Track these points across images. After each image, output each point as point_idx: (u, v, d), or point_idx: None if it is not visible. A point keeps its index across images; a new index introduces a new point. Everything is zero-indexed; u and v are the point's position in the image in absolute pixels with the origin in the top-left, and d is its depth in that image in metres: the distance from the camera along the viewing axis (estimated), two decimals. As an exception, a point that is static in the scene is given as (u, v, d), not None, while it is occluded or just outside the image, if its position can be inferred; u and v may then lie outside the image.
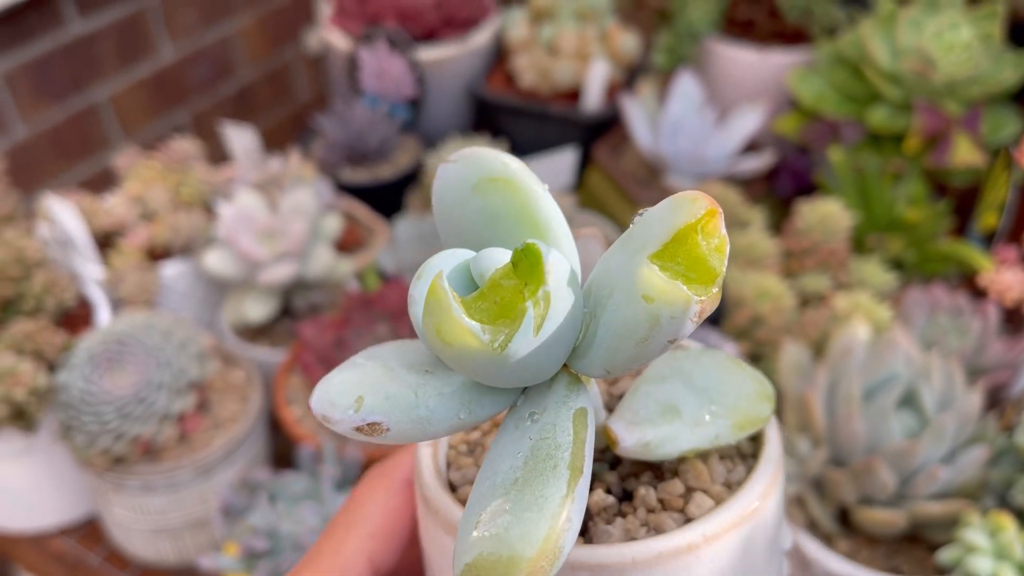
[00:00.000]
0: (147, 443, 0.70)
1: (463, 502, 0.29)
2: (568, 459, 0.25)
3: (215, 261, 0.81)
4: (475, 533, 0.24)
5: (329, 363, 0.75)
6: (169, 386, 0.70)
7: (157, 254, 0.87)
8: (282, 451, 0.92)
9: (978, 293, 0.80)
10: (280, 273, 0.80)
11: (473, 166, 0.27)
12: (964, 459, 0.59)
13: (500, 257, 0.25)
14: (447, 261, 0.26)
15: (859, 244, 0.88)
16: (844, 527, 0.64)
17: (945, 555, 0.55)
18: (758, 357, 0.78)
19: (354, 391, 0.27)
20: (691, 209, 0.24)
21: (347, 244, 0.99)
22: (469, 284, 0.26)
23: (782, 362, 0.69)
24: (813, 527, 0.64)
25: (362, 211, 1.03)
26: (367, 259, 0.95)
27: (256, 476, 0.68)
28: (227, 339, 0.86)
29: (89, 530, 0.83)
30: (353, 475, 0.68)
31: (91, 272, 0.84)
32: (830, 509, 0.63)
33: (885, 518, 0.59)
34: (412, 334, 0.76)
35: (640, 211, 0.26)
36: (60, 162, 1.10)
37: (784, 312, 0.77)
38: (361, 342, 0.75)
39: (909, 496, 0.60)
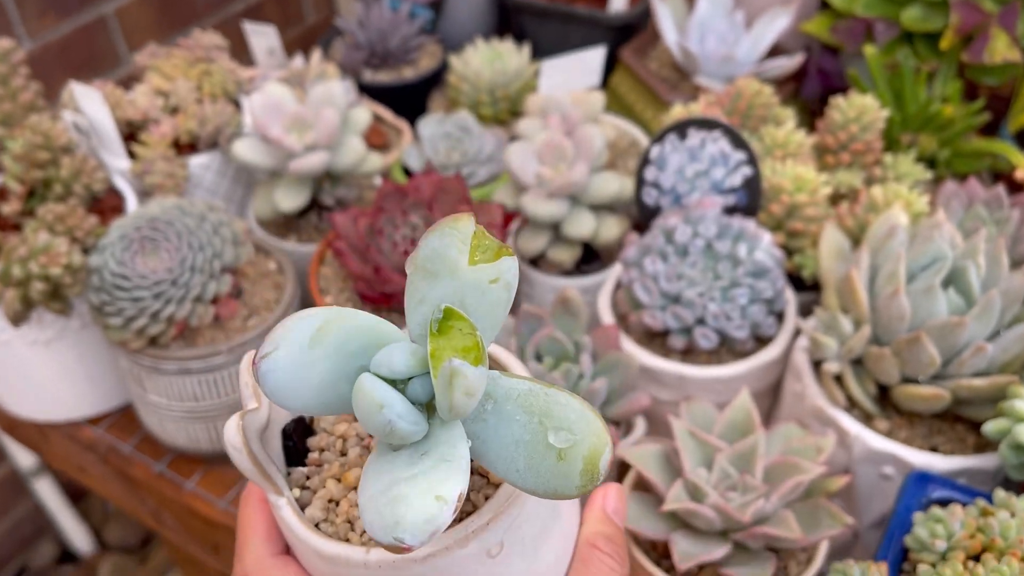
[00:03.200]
0: (182, 324, 0.69)
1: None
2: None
3: (244, 149, 0.80)
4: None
5: (362, 252, 0.75)
6: (203, 268, 0.70)
7: (183, 147, 0.86)
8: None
9: (1013, 189, 0.79)
10: (312, 162, 0.79)
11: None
12: (1009, 336, 0.59)
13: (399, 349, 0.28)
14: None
15: (892, 142, 0.87)
16: (882, 407, 0.64)
17: (991, 427, 0.55)
18: (792, 251, 0.78)
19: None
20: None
21: (372, 144, 0.98)
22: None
23: (822, 246, 0.68)
24: (852, 407, 0.64)
25: (386, 113, 1.02)
26: (393, 159, 0.94)
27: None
28: (256, 234, 0.85)
29: (120, 419, 0.84)
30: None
31: (117, 163, 0.83)
32: (869, 389, 0.63)
33: (929, 394, 0.59)
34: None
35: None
36: (67, 78, 1.07)
37: (820, 204, 0.76)
38: (396, 231, 0.74)
39: (952, 374, 0.60)
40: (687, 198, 0.75)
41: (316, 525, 0.33)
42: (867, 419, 0.64)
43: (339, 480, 0.34)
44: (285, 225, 0.87)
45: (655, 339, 0.73)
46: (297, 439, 0.36)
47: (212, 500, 0.78)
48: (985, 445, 0.62)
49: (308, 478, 0.35)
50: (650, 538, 0.57)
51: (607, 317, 0.74)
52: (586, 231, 0.77)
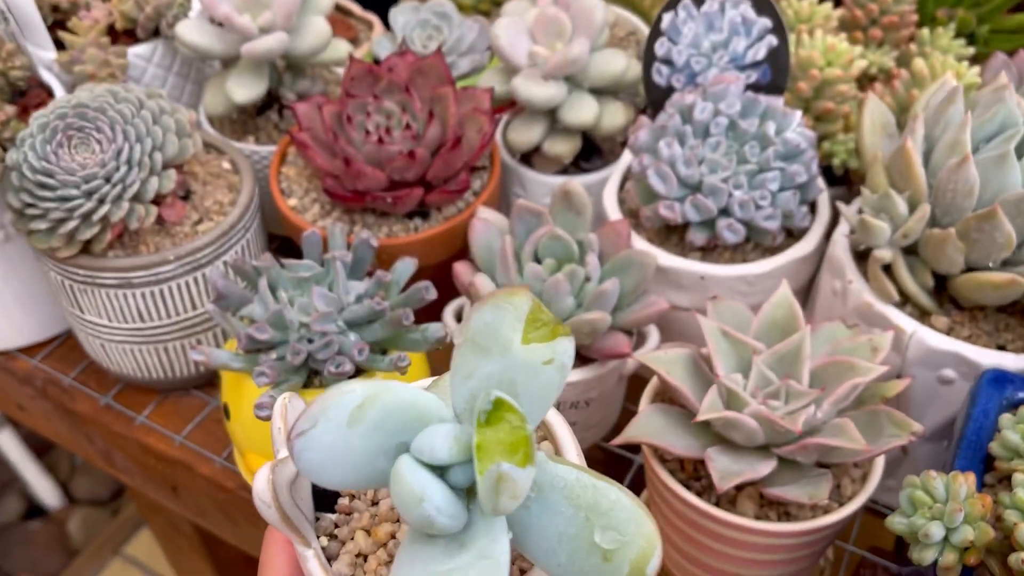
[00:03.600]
0: (120, 227, 0.59)
1: None
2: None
3: (190, 32, 0.68)
4: None
5: (330, 144, 0.65)
6: (142, 163, 0.59)
7: (119, 35, 0.75)
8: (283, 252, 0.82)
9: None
10: (268, 44, 0.68)
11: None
12: (1095, 210, 0.50)
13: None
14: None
15: (926, 19, 0.78)
16: (939, 302, 0.56)
17: (1083, 310, 0.47)
18: (823, 136, 0.69)
19: None
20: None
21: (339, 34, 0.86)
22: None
23: (865, 120, 0.59)
24: (905, 303, 0.56)
25: (354, 6, 0.90)
26: (363, 53, 0.83)
27: (251, 263, 0.57)
28: (209, 135, 0.74)
29: (61, 348, 0.74)
30: (366, 259, 0.58)
31: (43, 54, 0.71)
32: (925, 280, 0.54)
33: (1002, 280, 0.50)
34: (424, 107, 0.65)
35: None
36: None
37: (852, 81, 0.66)
38: (367, 119, 0.64)
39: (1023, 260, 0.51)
40: (703, 76, 0.65)
41: None
42: (923, 316, 0.55)
43: (368, 533, 0.33)
44: (242, 126, 0.76)
45: (670, 237, 0.64)
46: None
47: (168, 435, 0.68)
48: (1061, 341, 0.53)
49: (336, 526, 0.34)
50: (679, 455, 0.48)
51: (614, 215, 0.65)
52: (587, 117, 0.67)
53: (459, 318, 0.65)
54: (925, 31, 0.72)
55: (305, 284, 0.56)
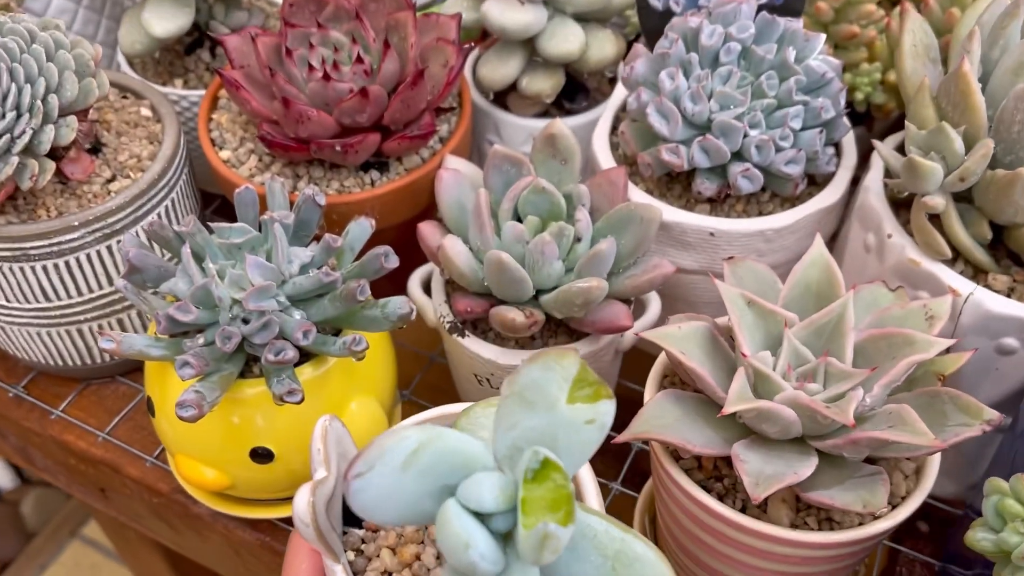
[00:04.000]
0: (10, 187, 0.49)
1: None
2: None
3: (93, -49, 0.57)
4: None
5: (265, 85, 0.54)
6: (34, 108, 0.48)
7: (14, -40, 0.63)
8: (221, 216, 0.72)
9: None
10: (188, -35, 0.57)
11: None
12: None
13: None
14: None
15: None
16: (995, 257, 0.47)
17: None
18: (844, 67, 0.59)
19: None
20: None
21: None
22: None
23: (904, 40, 0.49)
24: (955, 259, 0.47)
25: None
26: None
27: (172, 228, 0.47)
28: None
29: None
30: (312, 220, 0.48)
31: (-81, -17, 0.60)
32: (982, 232, 0.46)
33: (1082, 229, 0.42)
34: (378, 37, 0.55)
35: None
36: None
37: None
38: (311, 52, 0.54)
39: (1109, 200, 0.43)
40: (707, -4, 0.55)
41: None
42: (977, 274, 0.47)
43: (394, 551, 0.35)
44: (168, 67, 0.66)
45: (673, 187, 0.55)
46: None
47: (90, 431, 0.58)
48: None
49: (363, 542, 0.36)
50: (699, 453, 0.39)
51: (607, 163, 0.55)
52: (572, 48, 0.57)
53: (427, 288, 0.56)
54: (956, -56, 0.62)
55: (238, 252, 0.46)
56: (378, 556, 0.35)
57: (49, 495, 1.61)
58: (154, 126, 0.56)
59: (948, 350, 0.44)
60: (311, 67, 0.53)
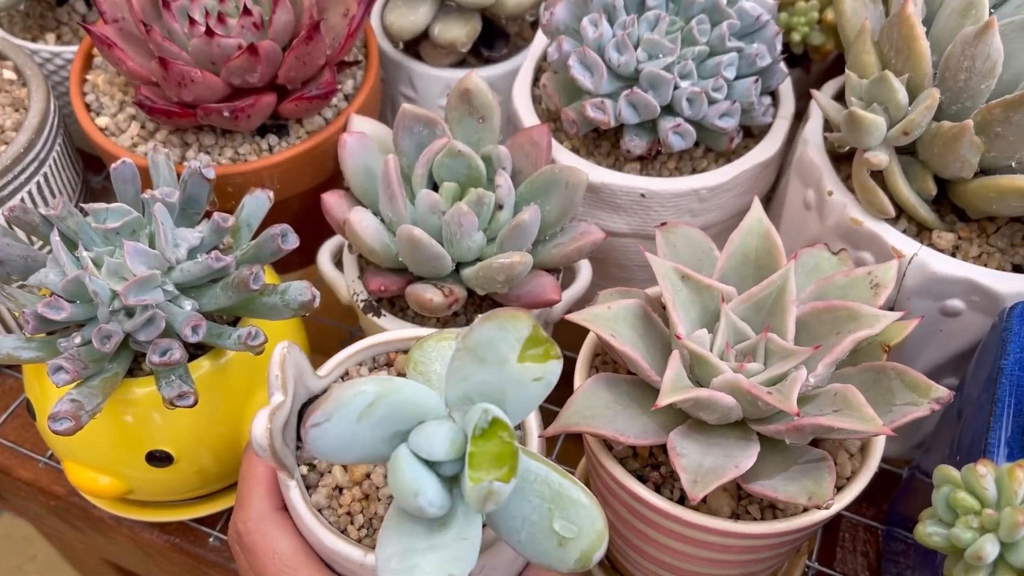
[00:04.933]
0: None
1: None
2: None
3: None
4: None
5: (142, 42, 0.48)
6: None
7: None
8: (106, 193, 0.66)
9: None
10: (45, -97, 0.50)
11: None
12: None
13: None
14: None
15: None
16: (939, 213, 0.45)
17: None
18: (779, 6, 0.55)
19: None
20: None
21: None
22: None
23: (844, -18, 0.46)
24: (898, 216, 0.44)
25: None
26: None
27: (38, 212, 0.42)
28: (-13, 32, 0.56)
29: None
30: (201, 197, 0.43)
31: None
32: (927, 187, 0.43)
33: (1033, 184, 0.39)
34: (272, -15, 0.49)
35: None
36: None
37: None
38: (193, 3, 0.47)
39: (1059, 152, 0.40)
40: (632, -69, 0.50)
41: (320, 511, 0.37)
42: (921, 232, 0.44)
43: (345, 469, 0.38)
44: (37, 20, 0.58)
45: (600, 144, 0.51)
46: None
47: (-26, 431, 0.53)
48: (1090, 255, 0.43)
49: (315, 458, 0.38)
50: (633, 444, 0.36)
51: (529, 119, 0.51)
52: (487, -9, 0.52)
53: (338, 262, 0.51)
54: None
55: (116, 238, 0.41)
56: (330, 472, 0.37)
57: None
58: (19, 91, 0.50)
59: (893, 309, 0.41)
60: (192, 21, 0.47)
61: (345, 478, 0.37)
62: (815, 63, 0.59)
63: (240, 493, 0.38)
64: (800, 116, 0.52)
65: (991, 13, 0.41)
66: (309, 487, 0.37)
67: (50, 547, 1.50)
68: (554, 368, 0.30)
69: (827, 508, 0.34)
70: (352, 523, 0.36)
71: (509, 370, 0.30)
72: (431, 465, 0.29)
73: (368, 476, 0.37)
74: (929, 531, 0.31)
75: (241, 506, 0.38)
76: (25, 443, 0.53)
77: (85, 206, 0.42)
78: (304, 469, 0.38)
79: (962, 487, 0.30)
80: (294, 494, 0.36)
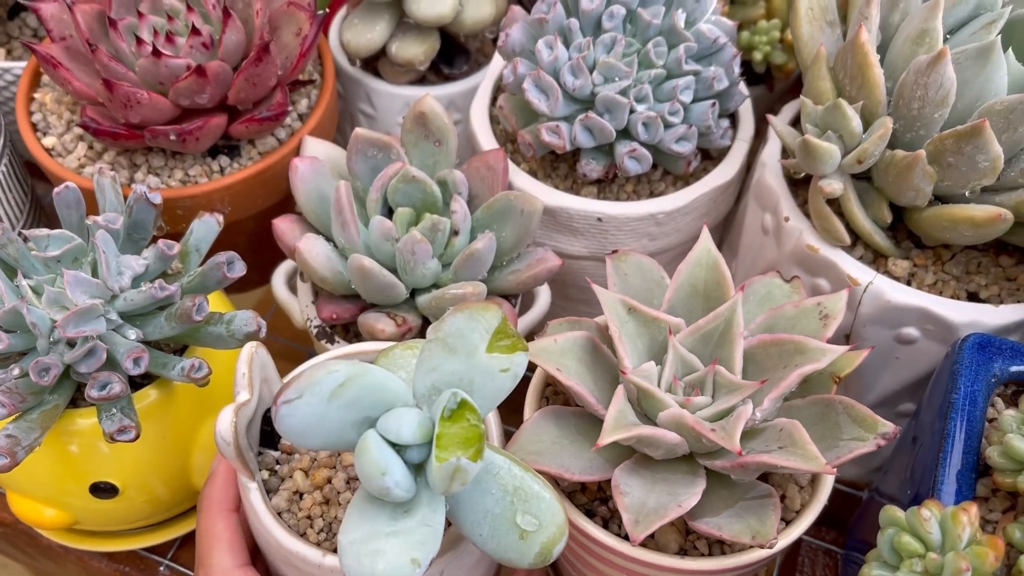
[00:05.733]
0: None
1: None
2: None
3: None
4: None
5: (87, 58, 0.47)
6: None
7: None
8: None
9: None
10: (-10, -81, 0.48)
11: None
12: (1098, 118, 0.39)
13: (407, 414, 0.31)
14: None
15: None
16: (895, 240, 0.44)
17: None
18: (740, 25, 0.55)
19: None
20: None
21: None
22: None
23: (799, 6, 0.45)
24: (854, 243, 0.44)
25: None
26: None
27: (-20, 239, 0.41)
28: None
29: None
30: (147, 222, 0.42)
31: None
32: (882, 215, 0.43)
33: (984, 216, 0.39)
34: (218, 2, 0.48)
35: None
36: None
37: (778, -47, 0.53)
38: (141, 21, 0.47)
39: (1011, 184, 0.40)
40: (591, -50, 0.50)
41: (279, 514, 0.37)
42: (877, 259, 0.44)
43: (307, 474, 0.39)
44: (-12, 34, 0.57)
45: (557, 167, 0.50)
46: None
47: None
48: (1044, 284, 0.43)
49: (278, 463, 0.39)
50: (578, 480, 0.36)
51: (487, 141, 0.50)
52: (443, 10, 0.52)
53: (292, 286, 0.50)
54: None
55: (57, 266, 0.40)
56: (291, 477, 0.38)
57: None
58: (-36, 110, 0.49)
59: (849, 337, 0.41)
60: (140, 40, 0.46)
61: (306, 483, 0.38)
62: (778, 81, 0.59)
63: (200, 552, 0.38)
64: (761, 135, 0.51)
65: (945, 40, 0.40)
66: (270, 491, 0.38)
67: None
68: (521, 360, 0.31)
69: (770, 548, 0.34)
70: (312, 527, 0.37)
71: (478, 360, 0.31)
72: (398, 449, 0.30)
73: (329, 481, 0.38)
74: (874, 573, 0.31)
75: (202, 565, 0.38)
76: (-27, 468, 0.52)
77: (26, 232, 0.41)
78: (265, 474, 0.38)
79: (907, 530, 0.30)
80: (254, 496, 0.36)
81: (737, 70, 0.47)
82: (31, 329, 0.38)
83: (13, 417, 0.38)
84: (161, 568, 0.49)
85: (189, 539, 0.49)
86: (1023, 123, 0.37)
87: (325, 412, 0.30)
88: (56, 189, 0.42)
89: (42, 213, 0.56)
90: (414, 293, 0.45)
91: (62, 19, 0.48)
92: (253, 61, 0.45)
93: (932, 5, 0.39)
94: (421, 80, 0.57)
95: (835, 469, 0.33)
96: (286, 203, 0.51)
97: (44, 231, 0.41)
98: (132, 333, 0.40)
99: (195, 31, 0.46)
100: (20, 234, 0.41)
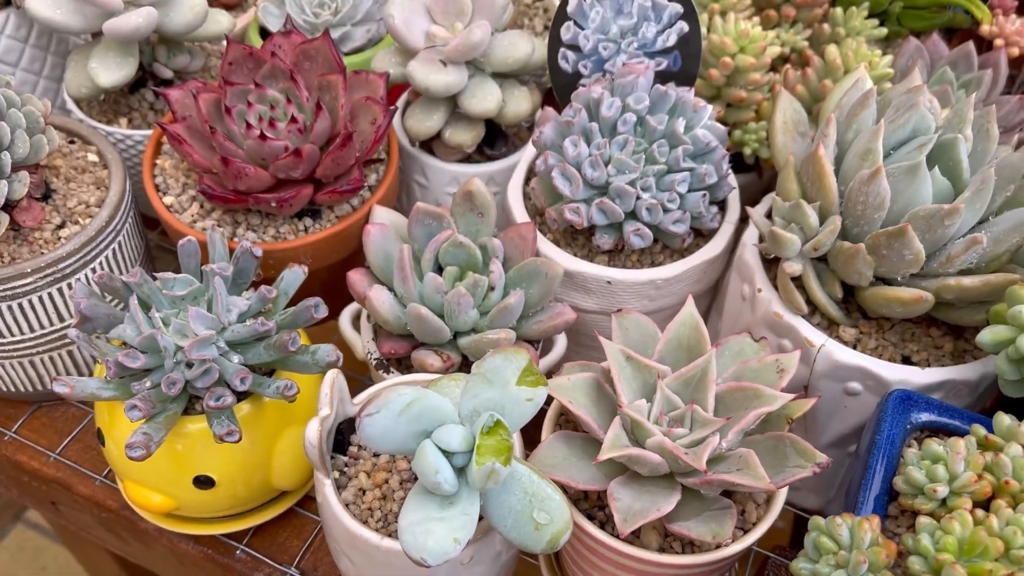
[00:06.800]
0: (-33, 241, 0.53)
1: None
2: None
3: (43, 5, 0.61)
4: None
5: (206, 139, 0.59)
6: (-10, 166, 0.53)
7: (-37, 3, 0.66)
8: (164, 260, 0.76)
9: (978, 49, 0.69)
10: (135, 22, 0.61)
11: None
12: (1003, 225, 0.49)
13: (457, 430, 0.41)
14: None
15: (840, -5, 0.75)
16: (846, 311, 0.55)
17: (989, 337, 0.46)
18: (732, 125, 0.66)
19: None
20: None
21: (224, 4, 0.79)
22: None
23: (776, 118, 0.56)
24: (814, 313, 0.54)
25: (237, -38, 0.83)
26: (247, 20, 0.76)
27: (120, 279, 0.52)
28: (72, 118, 0.68)
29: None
30: (249, 270, 0.53)
31: None
32: (834, 291, 0.53)
33: (910, 297, 0.49)
34: (311, 96, 0.60)
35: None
36: None
37: (765, 68, 0.64)
38: (249, 109, 0.58)
39: (935, 272, 0.50)
40: (611, 63, 0.61)
41: (346, 506, 0.48)
42: (831, 326, 0.54)
43: (369, 475, 0.49)
44: (112, 105, 0.69)
45: (576, 238, 0.61)
46: (346, 433, 0.51)
47: (42, 451, 0.63)
48: (964, 352, 0.53)
49: (346, 465, 0.50)
50: (583, 489, 0.46)
51: (520, 213, 0.61)
52: (490, 106, 0.63)
53: (356, 325, 0.61)
54: (838, 11, 0.69)
55: (181, 302, 0.52)
56: (356, 477, 0.49)
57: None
58: (101, 172, 0.61)
59: (800, 396, 0.51)
60: (249, 125, 0.58)
61: (368, 482, 0.48)
62: (765, 170, 0.70)
63: None
64: (747, 219, 0.62)
65: (887, 156, 0.51)
66: (339, 488, 0.48)
67: (58, 559, 1.58)
68: (542, 393, 0.42)
69: (727, 546, 0.44)
70: (372, 517, 0.47)
71: (510, 391, 0.41)
72: (447, 455, 0.40)
73: (386, 481, 0.49)
74: (801, 566, 0.41)
75: None
76: (85, 463, 0.63)
77: (157, 275, 0.52)
78: (336, 474, 0.49)
79: (825, 533, 0.40)
80: (328, 490, 0.47)
81: (726, 167, 0.58)
82: (161, 351, 0.50)
83: (146, 419, 0.49)
84: (237, 552, 0.59)
85: (262, 528, 0.59)
86: (941, 227, 0.48)
87: (395, 424, 0.41)
88: (180, 241, 0.53)
89: (148, 253, 0.67)
90: (456, 335, 0.56)
91: (185, 103, 0.59)
92: (339, 146, 0.57)
93: (876, 130, 0.50)
94: (467, 158, 0.68)
95: (779, 487, 0.44)
96: (353, 257, 0.62)
97: (171, 274, 0.52)
98: (236, 358, 0.51)
99: (293, 119, 0.58)
100: (152, 276, 0.53)
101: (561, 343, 0.60)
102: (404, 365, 0.58)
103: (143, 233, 0.65)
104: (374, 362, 0.57)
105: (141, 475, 0.54)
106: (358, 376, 0.69)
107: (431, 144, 0.68)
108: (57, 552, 1.58)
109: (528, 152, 0.65)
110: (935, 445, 0.42)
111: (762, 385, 0.46)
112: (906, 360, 0.53)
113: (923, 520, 0.40)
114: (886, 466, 0.45)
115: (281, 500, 0.59)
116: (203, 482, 0.53)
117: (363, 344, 0.59)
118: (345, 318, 0.61)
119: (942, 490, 0.40)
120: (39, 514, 1.59)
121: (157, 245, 0.76)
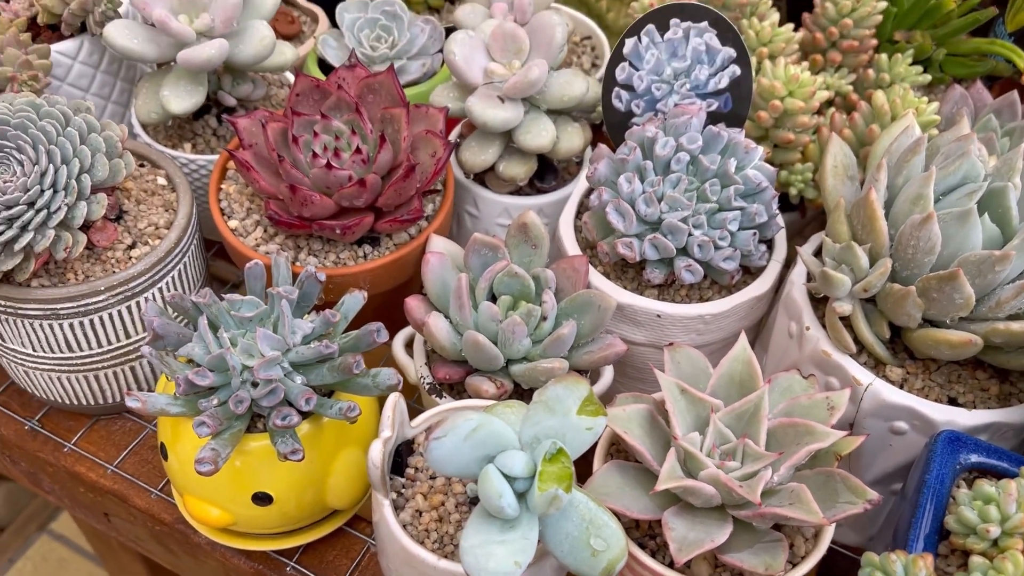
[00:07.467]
0: (45, 256, 0.55)
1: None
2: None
3: (120, 35, 0.64)
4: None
5: (274, 165, 0.61)
6: (69, 187, 0.55)
7: (41, 30, 0.69)
8: (222, 278, 0.79)
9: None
10: (207, 53, 0.63)
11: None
12: (1051, 271, 0.50)
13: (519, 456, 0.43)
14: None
15: (883, 42, 0.77)
16: (893, 351, 0.56)
17: (1037, 379, 0.47)
18: (779, 166, 0.68)
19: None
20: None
21: (283, 34, 0.82)
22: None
23: (827, 162, 0.58)
24: (861, 352, 0.55)
25: (296, -4, 0.86)
26: (307, 50, 0.79)
27: (191, 299, 0.54)
28: (141, 142, 0.70)
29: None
30: (313, 293, 0.55)
31: (-45, 50, 0.66)
32: (882, 331, 0.54)
33: (959, 340, 0.50)
34: (375, 128, 0.62)
35: None
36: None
37: (814, 110, 0.65)
38: (315, 139, 0.61)
39: (984, 316, 0.51)
40: (664, 102, 0.63)
41: (404, 526, 0.49)
42: (877, 366, 0.55)
43: (426, 497, 0.50)
44: (178, 131, 0.72)
45: (627, 271, 0.63)
46: (404, 455, 0.52)
47: (100, 463, 0.65)
48: (1009, 395, 0.54)
49: (404, 487, 0.51)
50: (636, 518, 0.47)
51: (571, 246, 0.63)
52: (544, 142, 0.65)
53: (410, 349, 0.63)
54: (883, 57, 0.71)
55: (248, 323, 0.54)
56: (414, 499, 0.50)
57: (17, 490, 1.65)
58: (169, 195, 0.63)
59: (852, 425, 0.52)
60: (315, 154, 0.60)
61: (425, 504, 0.50)
62: (809, 210, 0.71)
63: None
64: (793, 256, 0.64)
65: (938, 201, 0.53)
66: (397, 509, 0.50)
67: (81, 571, 1.60)
68: (602, 423, 0.42)
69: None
70: (428, 538, 0.49)
71: (570, 419, 0.42)
72: (509, 480, 0.41)
73: (443, 504, 0.50)
74: (852, 600, 0.42)
75: None
76: (141, 476, 0.64)
77: (225, 296, 0.54)
78: (394, 495, 0.50)
79: (880, 569, 0.41)
80: (387, 510, 0.48)
81: (775, 207, 0.60)
82: (229, 370, 0.52)
83: (214, 435, 0.51)
84: (287, 568, 0.60)
85: (312, 546, 0.61)
86: (991, 272, 0.49)
87: (460, 448, 0.42)
88: (248, 264, 0.55)
89: (207, 271, 0.70)
90: (509, 363, 0.57)
91: (252, 131, 0.62)
92: (402, 177, 0.59)
93: (927, 176, 0.51)
94: (519, 190, 0.70)
95: (831, 522, 0.45)
96: (408, 284, 0.64)
97: (238, 296, 0.54)
98: (299, 379, 0.53)
99: (357, 150, 0.60)
100: (220, 296, 0.55)
101: (608, 374, 0.61)
102: (456, 390, 0.59)
103: (205, 255, 0.67)
104: (427, 386, 0.59)
105: (202, 490, 0.55)
106: (407, 400, 0.70)
107: (483, 176, 0.70)
108: (80, 564, 1.59)
109: (579, 186, 0.67)
110: (987, 486, 0.43)
111: (814, 421, 0.47)
112: (952, 401, 0.54)
113: (976, 560, 0.41)
114: (935, 505, 0.46)
115: (332, 519, 0.60)
116: (261, 499, 0.55)
117: (416, 369, 0.60)
118: (399, 343, 0.63)
119: (994, 530, 0.41)
120: (65, 525, 1.62)
121: (216, 266, 0.79)
